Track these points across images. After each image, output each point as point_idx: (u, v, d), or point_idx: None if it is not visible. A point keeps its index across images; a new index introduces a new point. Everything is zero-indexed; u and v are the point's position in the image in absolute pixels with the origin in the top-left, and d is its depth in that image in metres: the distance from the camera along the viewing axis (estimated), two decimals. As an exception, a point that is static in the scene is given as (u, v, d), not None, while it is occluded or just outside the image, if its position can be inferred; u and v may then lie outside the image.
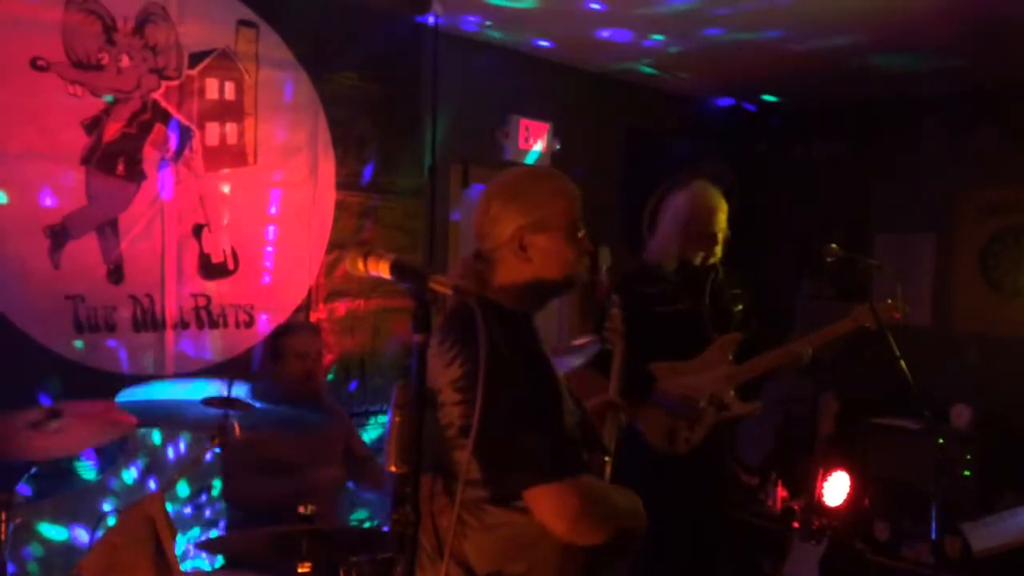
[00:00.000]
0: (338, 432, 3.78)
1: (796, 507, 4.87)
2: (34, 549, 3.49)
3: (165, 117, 3.78)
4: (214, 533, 3.95)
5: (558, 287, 2.11)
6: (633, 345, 3.63)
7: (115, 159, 3.63)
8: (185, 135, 3.84)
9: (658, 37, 5.07)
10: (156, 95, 3.74)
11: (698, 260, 3.68)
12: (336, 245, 4.35)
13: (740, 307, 3.82)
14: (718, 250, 3.69)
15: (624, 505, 2.01)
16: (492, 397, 1.70)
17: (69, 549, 3.55)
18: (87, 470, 3.62)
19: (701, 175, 3.82)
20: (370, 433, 4.48)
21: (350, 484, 3.93)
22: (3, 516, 2.88)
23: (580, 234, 2.10)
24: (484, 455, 1.85)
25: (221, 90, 3.95)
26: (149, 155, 3.73)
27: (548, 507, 1.82)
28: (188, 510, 3.94)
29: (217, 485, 4.00)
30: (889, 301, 3.63)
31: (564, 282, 2.11)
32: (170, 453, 3.87)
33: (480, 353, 1.62)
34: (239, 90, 4.01)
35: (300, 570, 2.80)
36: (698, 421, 3.59)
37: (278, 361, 3.69)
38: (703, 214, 3.66)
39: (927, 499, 3.62)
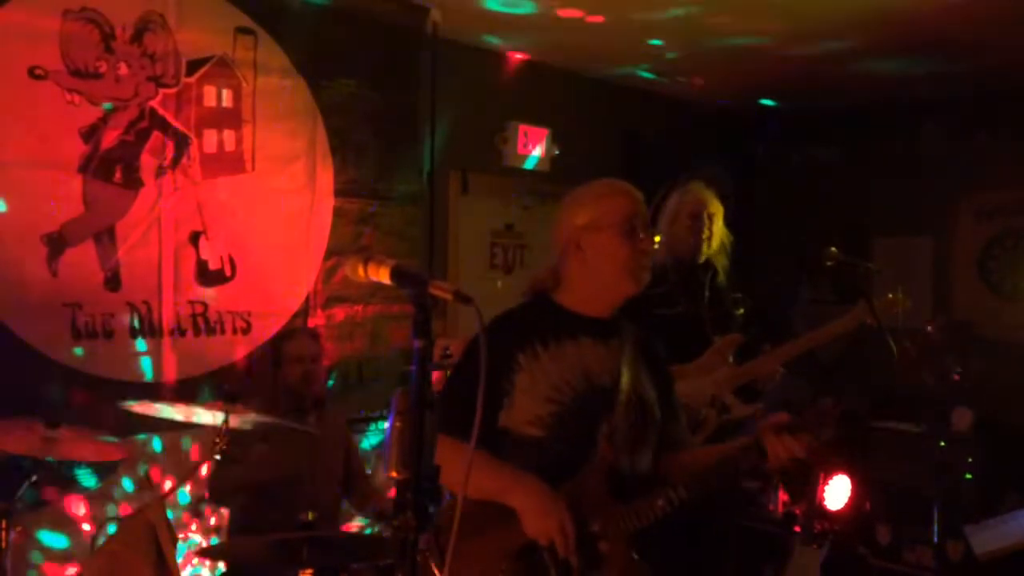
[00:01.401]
0: (337, 442, 3.76)
1: (797, 511, 4.85)
2: (34, 557, 3.48)
3: (163, 125, 3.77)
4: (215, 540, 3.94)
5: (616, 285, 2.20)
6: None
7: (113, 167, 3.63)
8: (183, 143, 3.84)
9: (656, 42, 5.08)
10: (154, 103, 3.74)
11: (689, 249, 3.66)
12: (334, 252, 4.35)
13: (741, 311, 3.82)
14: (710, 242, 3.68)
15: (479, 473, 1.95)
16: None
17: (70, 557, 3.54)
18: (87, 477, 3.61)
19: (698, 177, 3.82)
20: (369, 439, 4.48)
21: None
22: (3, 524, 2.88)
23: (640, 233, 2.18)
24: None
25: (219, 97, 3.95)
26: (147, 163, 3.73)
27: None
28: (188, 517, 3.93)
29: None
30: (890, 296, 3.64)
31: (619, 279, 2.19)
32: (171, 460, 3.86)
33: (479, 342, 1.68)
34: (237, 97, 4.01)
35: (301, 577, 2.79)
36: (700, 426, 3.58)
37: (278, 368, 3.69)
38: (692, 207, 3.66)
39: (929, 502, 3.61)
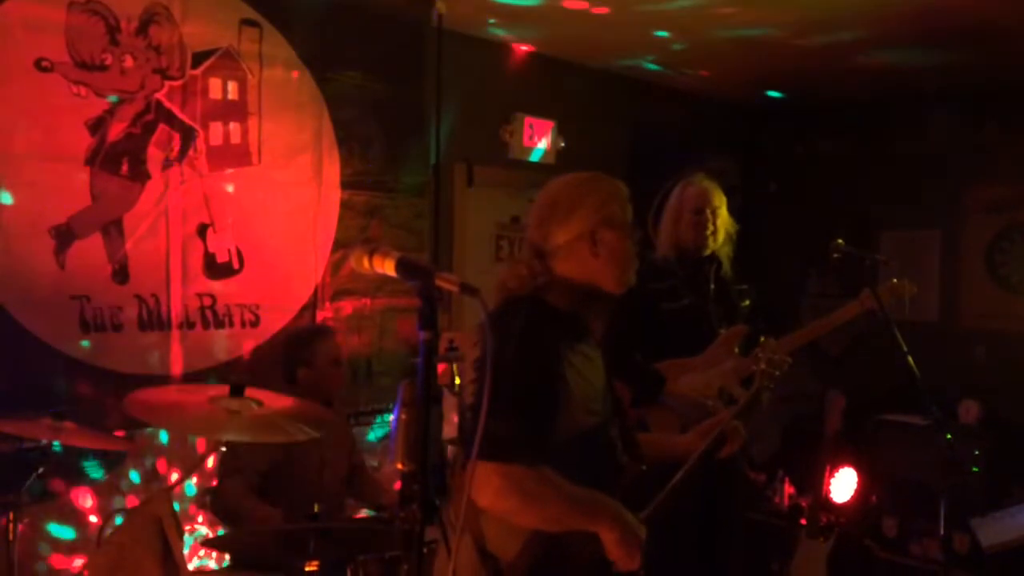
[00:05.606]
0: (342, 438, 3.73)
1: (803, 504, 4.85)
2: (42, 549, 3.49)
3: (169, 117, 3.78)
4: (221, 532, 3.95)
5: (609, 284, 2.15)
6: (642, 343, 3.63)
7: (119, 159, 3.64)
8: (189, 135, 3.84)
9: (662, 34, 5.06)
10: (160, 95, 3.74)
11: (693, 245, 3.66)
12: (341, 244, 4.35)
13: (747, 303, 3.81)
14: (715, 236, 3.67)
15: (569, 506, 1.97)
16: (485, 383, 1.81)
17: (77, 549, 3.55)
18: (95, 469, 3.63)
19: (702, 170, 3.82)
20: (376, 432, 4.48)
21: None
22: (11, 516, 2.89)
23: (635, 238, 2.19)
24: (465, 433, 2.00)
25: (224, 90, 3.95)
26: (153, 155, 3.73)
27: (475, 481, 1.87)
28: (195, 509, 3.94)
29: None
30: (895, 280, 3.63)
31: (616, 280, 2.16)
32: (177, 453, 3.86)
33: (494, 343, 1.64)
34: (242, 90, 4.01)
35: (307, 568, 2.80)
36: (709, 418, 3.57)
37: (305, 366, 3.60)
38: (694, 202, 3.66)
39: (935, 495, 3.60)
